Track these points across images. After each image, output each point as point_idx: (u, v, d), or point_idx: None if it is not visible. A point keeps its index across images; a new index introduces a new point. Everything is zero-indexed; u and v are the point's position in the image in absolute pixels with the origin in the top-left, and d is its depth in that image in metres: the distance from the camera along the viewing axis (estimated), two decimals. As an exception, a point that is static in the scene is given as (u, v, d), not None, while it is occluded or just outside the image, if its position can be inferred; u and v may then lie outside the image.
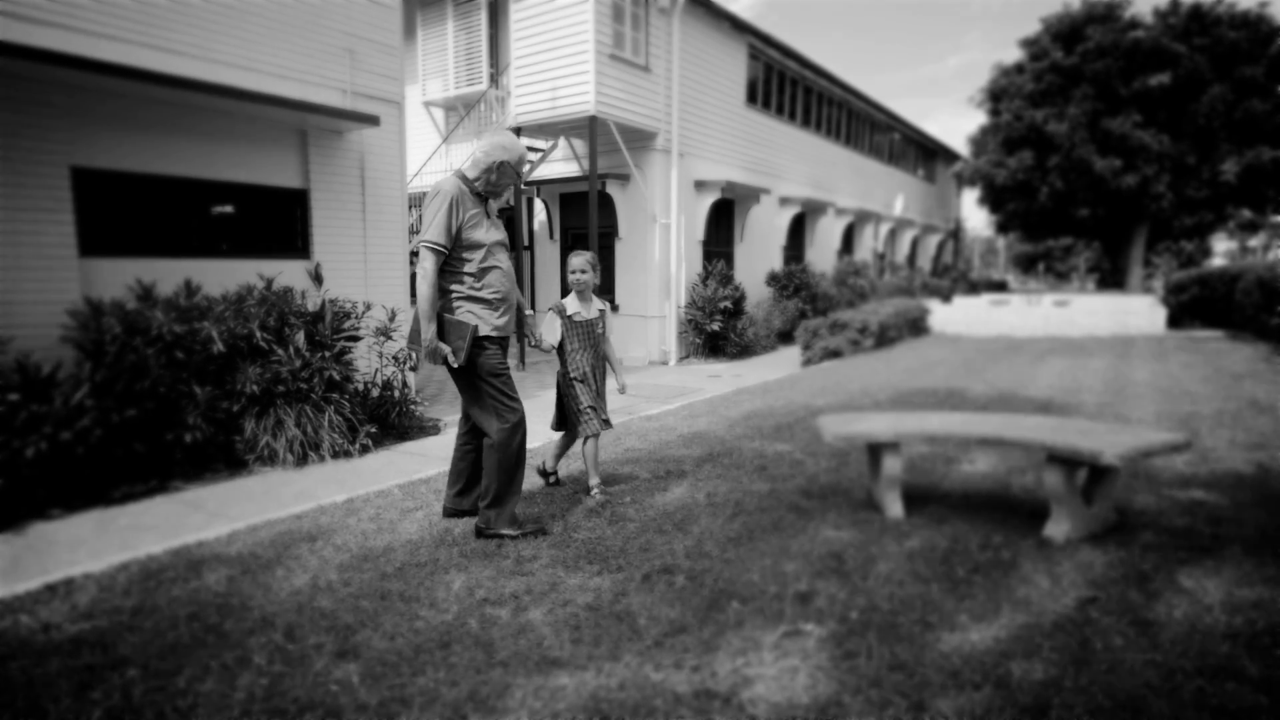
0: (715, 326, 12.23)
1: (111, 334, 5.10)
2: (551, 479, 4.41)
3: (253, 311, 6.07)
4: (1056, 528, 3.25)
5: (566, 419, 4.22)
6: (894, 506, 3.58)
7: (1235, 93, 18.88)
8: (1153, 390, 7.16)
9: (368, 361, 7.51)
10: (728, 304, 12.33)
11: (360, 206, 8.16)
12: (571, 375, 4.12)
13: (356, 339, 6.86)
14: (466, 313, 3.38)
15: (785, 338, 14.14)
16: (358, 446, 6.29)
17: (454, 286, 3.41)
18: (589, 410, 4.07)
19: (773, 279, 14.87)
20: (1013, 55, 20.39)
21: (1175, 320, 15.27)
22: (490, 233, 3.46)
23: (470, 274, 3.41)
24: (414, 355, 7.82)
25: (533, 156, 12.76)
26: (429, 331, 3.32)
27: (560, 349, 4.14)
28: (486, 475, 3.41)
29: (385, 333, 7.62)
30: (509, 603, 2.68)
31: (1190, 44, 19.28)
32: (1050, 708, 2.01)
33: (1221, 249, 52.47)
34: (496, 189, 3.52)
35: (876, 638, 2.38)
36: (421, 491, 4.33)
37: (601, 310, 4.28)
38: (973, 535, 3.32)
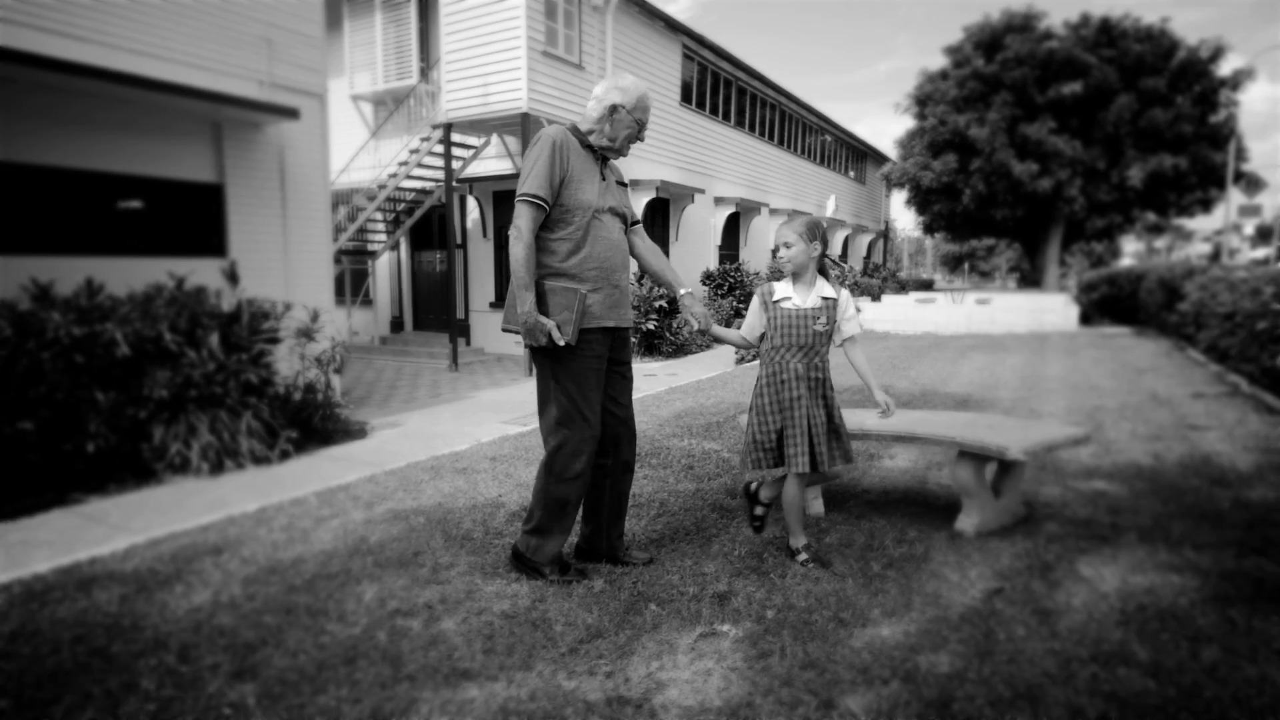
0: (651, 325, 12.25)
1: (1, 337, 4.77)
2: (757, 523, 3.32)
3: (162, 312, 5.78)
4: (967, 521, 3.35)
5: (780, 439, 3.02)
6: (815, 504, 3.63)
7: (1140, 102, 19.94)
8: (1063, 385, 7.49)
9: (289, 364, 7.24)
10: (663, 303, 12.37)
11: (280, 202, 7.86)
12: (763, 382, 3.04)
13: (276, 340, 6.61)
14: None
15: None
16: (277, 452, 6.06)
17: (543, 258, 2.77)
18: (752, 445, 3.03)
19: (708, 278, 15.00)
20: (938, 62, 21.21)
21: (1087, 317, 16.05)
22: (601, 196, 2.82)
23: (564, 240, 2.77)
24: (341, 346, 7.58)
25: (465, 153, 12.54)
26: (526, 302, 2.67)
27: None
28: (534, 495, 2.88)
29: (307, 334, 7.37)
30: (421, 613, 2.60)
31: (1100, 55, 20.27)
32: (954, 700, 2.05)
33: (1130, 250, 55.51)
34: (614, 143, 2.87)
35: (791, 636, 2.40)
36: (339, 499, 4.18)
37: (827, 299, 2.99)
38: (889, 530, 3.39)
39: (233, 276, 6.52)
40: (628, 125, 2.86)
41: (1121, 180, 20.27)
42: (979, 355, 10.27)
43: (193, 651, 2.37)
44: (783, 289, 3.03)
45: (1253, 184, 22.19)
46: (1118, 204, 21.14)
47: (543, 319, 2.70)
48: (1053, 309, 15.30)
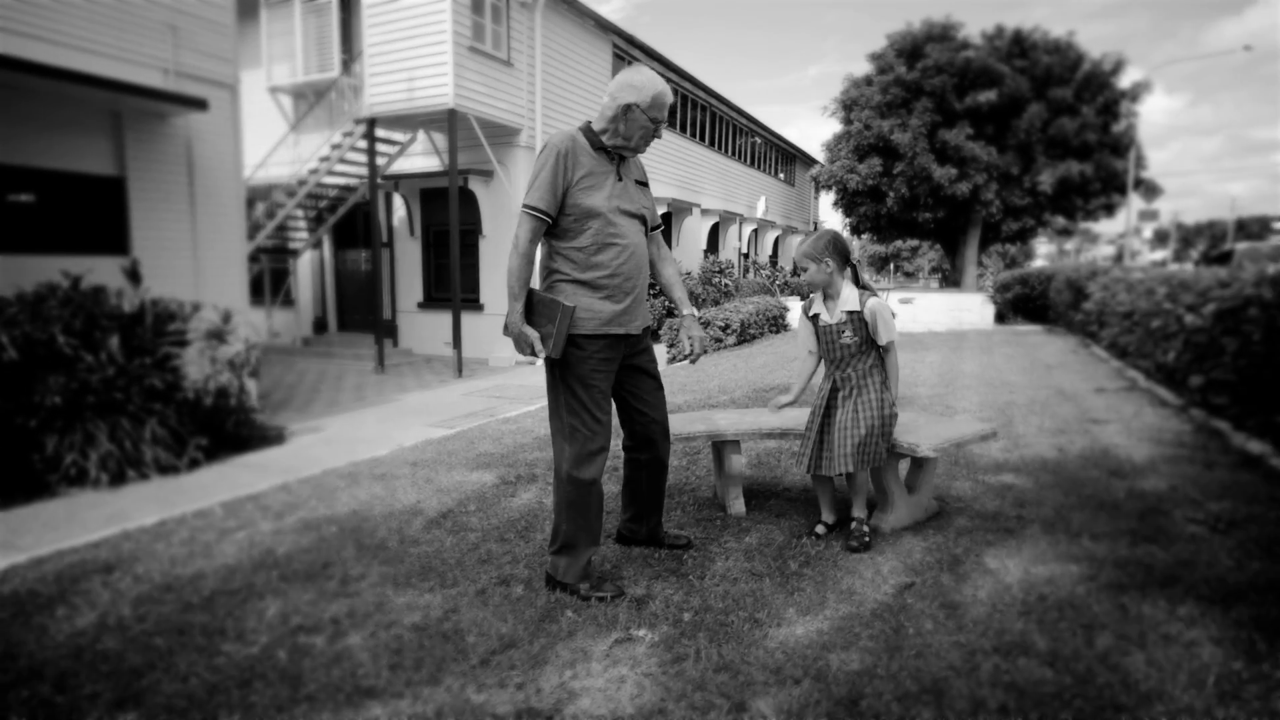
0: (582, 326, 12.19)
1: None
2: (819, 529, 3.33)
3: (55, 314, 5.43)
4: (883, 517, 3.42)
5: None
6: (736, 504, 3.66)
7: (1049, 111, 20.94)
8: (978, 381, 7.78)
9: (200, 368, 6.92)
10: (594, 303, 12.33)
11: (188, 197, 7.49)
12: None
13: (183, 343, 6.31)
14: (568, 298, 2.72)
15: (652, 335, 14.32)
16: (186, 461, 5.78)
17: (559, 265, 2.75)
18: (803, 441, 3.27)
19: (640, 278, 15.00)
20: (864, 68, 21.80)
21: (1002, 316, 16.75)
22: (614, 199, 2.75)
23: (578, 249, 2.72)
24: (251, 358, 7.26)
25: (390, 149, 12.21)
26: (514, 312, 2.67)
27: None
28: (555, 512, 2.82)
29: (218, 335, 7.06)
30: (327, 629, 2.49)
31: (1012, 65, 21.20)
32: (863, 697, 2.08)
33: (1043, 251, 58.35)
34: (630, 142, 2.76)
35: (706, 638, 2.39)
36: (248, 509, 3.99)
37: (851, 313, 3.10)
38: (807, 528, 3.43)
39: (134, 275, 6.17)
40: (642, 125, 2.74)
41: (1033, 185, 21.24)
42: (901, 353, 10.59)
43: (71, 680, 2.20)
44: (817, 304, 3.20)
45: (1150, 190, 23.61)
46: (1030, 208, 22.14)
47: (527, 330, 2.67)
48: (970, 308, 15.92)
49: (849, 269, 3.15)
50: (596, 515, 2.78)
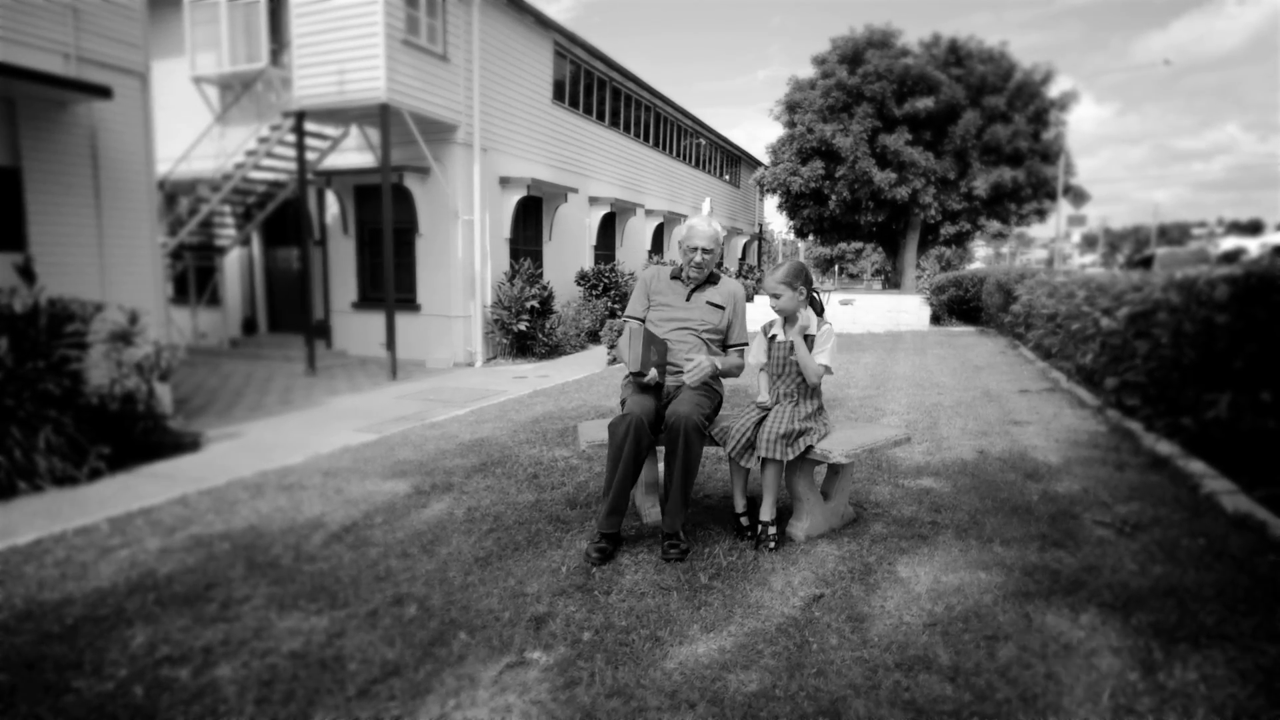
0: (522, 326, 12.00)
1: None
2: (744, 521, 3.42)
3: (-68, 314, 5.04)
4: (798, 525, 3.37)
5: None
6: (651, 512, 3.57)
7: (983, 119, 21.49)
8: (909, 383, 7.87)
9: (104, 371, 6.54)
10: (535, 303, 12.14)
11: (92, 191, 7.08)
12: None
13: (83, 345, 5.93)
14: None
15: (595, 337, 14.20)
16: (86, 471, 5.44)
17: None
18: (735, 430, 3.32)
19: (582, 278, 14.87)
20: (808, 71, 21.87)
21: (937, 318, 17.11)
22: (674, 315, 3.60)
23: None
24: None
25: (321, 144, 11.81)
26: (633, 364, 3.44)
27: None
28: None
29: (124, 337, 6.68)
30: (195, 659, 2.31)
31: (949, 74, 21.70)
32: None
33: (981, 255, 60.07)
34: (687, 269, 3.62)
35: (604, 660, 2.29)
36: (137, 525, 3.73)
37: (807, 337, 3.37)
38: (723, 536, 3.37)
39: (27, 272, 5.79)
40: (684, 253, 3.57)
41: (969, 190, 21.78)
42: (838, 354, 10.68)
43: (-110, 727, 1.98)
44: (776, 326, 3.49)
45: (1078, 196, 24.47)
46: (966, 212, 22.70)
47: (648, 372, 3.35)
48: (908, 309, 16.21)
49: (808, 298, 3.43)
50: (610, 471, 3.15)
